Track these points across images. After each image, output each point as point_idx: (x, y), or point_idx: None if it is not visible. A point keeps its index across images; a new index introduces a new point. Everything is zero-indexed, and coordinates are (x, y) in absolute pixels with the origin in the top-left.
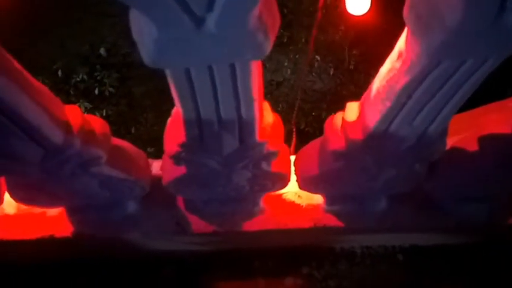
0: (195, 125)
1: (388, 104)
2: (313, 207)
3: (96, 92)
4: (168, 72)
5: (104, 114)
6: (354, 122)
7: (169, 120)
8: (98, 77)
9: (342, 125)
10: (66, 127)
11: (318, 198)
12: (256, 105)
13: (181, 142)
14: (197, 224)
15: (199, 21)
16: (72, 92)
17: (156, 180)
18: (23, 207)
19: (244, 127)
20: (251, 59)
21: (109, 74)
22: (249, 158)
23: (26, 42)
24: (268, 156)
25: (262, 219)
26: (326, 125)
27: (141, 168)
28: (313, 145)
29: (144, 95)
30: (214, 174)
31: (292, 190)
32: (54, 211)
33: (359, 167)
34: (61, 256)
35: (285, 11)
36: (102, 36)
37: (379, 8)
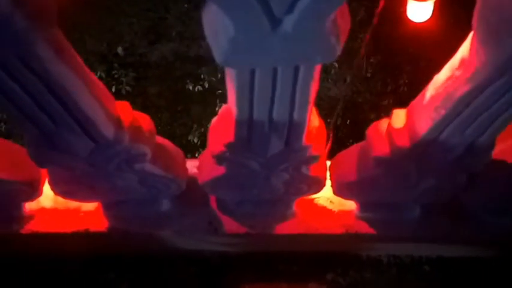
0: (246, 125)
1: (442, 112)
2: (345, 214)
3: (113, 90)
4: (231, 72)
5: None
6: (401, 129)
7: (215, 119)
8: (116, 76)
9: (387, 131)
10: (118, 122)
11: (350, 205)
12: (309, 108)
13: (228, 142)
14: (229, 224)
15: (276, 23)
16: None
17: (190, 179)
18: (59, 200)
19: (293, 130)
20: (320, 61)
21: (126, 73)
22: (292, 160)
23: None
24: (310, 160)
25: (294, 223)
26: (369, 131)
27: (179, 167)
28: (352, 151)
29: (159, 95)
30: (253, 176)
31: (324, 195)
32: (89, 206)
33: (401, 175)
34: (94, 250)
35: None
36: (120, 36)
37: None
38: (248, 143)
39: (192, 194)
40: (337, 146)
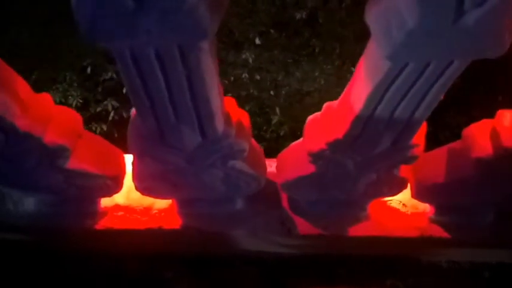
0: (362, 122)
1: None
2: (419, 217)
3: (124, 91)
4: (380, 66)
5: (131, 114)
6: (508, 129)
7: (313, 117)
8: None
9: (492, 132)
10: (227, 118)
11: (424, 208)
12: (432, 106)
13: (333, 140)
14: (302, 225)
15: (459, 15)
16: (100, 90)
17: None
18: (133, 197)
19: (408, 128)
20: (491, 56)
21: None
22: (393, 160)
23: (53, 35)
24: (408, 160)
25: (368, 225)
26: (466, 133)
27: (262, 165)
28: (438, 153)
29: None
30: (344, 176)
31: (396, 198)
32: (162, 203)
33: (503, 176)
34: (165, 248)
35: (320, 21)
36: None
37: None
38: (355, 142)
39: (263, 193)
40: None
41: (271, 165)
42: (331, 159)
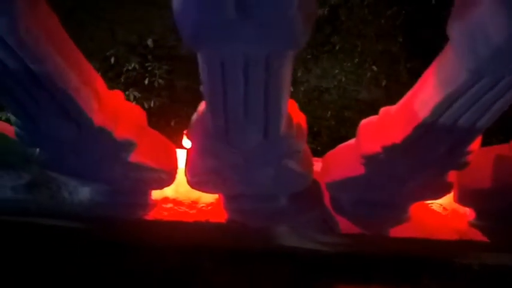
0: (424, 128)
1: None
2: (459, 220)
3: (146, 82)
4: (463, 77)
5: (152, 105)
6: None
7: (367, 120)
8: (149, 68)
9: None
10: (289, 119)
11: (464, 212)
12: (495, 116)
13: (391, 144)
14: (343, 224)
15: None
16: (122, 80)
17: None
18: (181, 190)
19: (465, 137)
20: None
21: (160, 66)
22: (443, 166)
23: (75, 26)
24: (461, 166)
25: (409, 227)
26: None
27: (310, 164)
28: (483, 157)
29: (186, 89)
30: (393, 179)
31: (437, 201)
32: (208, 197)
33: None
34: (210, 241)
35: (342, 18)
36: (151, 27)
37: None
38: (411, 147)
39: (306, 191)
40: None
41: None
42: (384, 163)
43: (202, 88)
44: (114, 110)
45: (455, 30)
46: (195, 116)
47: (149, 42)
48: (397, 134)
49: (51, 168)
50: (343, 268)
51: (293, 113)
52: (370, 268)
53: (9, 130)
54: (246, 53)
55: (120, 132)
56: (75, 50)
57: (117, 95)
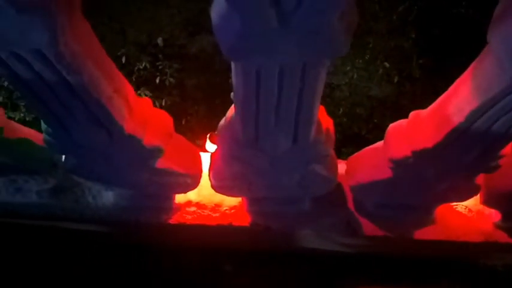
0: (458, 134)
1: None
2: (484, 222)
3: (157, 81)
4: (502, 84)
5: (163, 104)
6: None
7: (395, 124)
8: (160, 67)
9: None
10: (319, 125)
11: (489, 214)
12: None
13: (419, 149)
14: (367, 226)
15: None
16: (134, 80)
17: None
18: (204, 193)
19: (498, 142)
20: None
21: (170, 65)
22: (474, 169)
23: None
24: (491, 169)
25: (435, 229)
26: None
27: (335, 167)
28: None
29: (196, 87)
30: (420, 183)
31: (462, 203)
32: (231, 201)
33: None
34: (232, 244)
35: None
36: (160, 26)
37: None
38: (442, 151)
39: (330, 194)
40: None
41: None
42: (413, 167)
43: (233, 95)
44: (143, 118)
45: (495, 37)
46: (222, 122)
47: (159, 41)
48: (428, 138)
49: (79, 173)
50: (365, 270)
51: (322, 118)
52: (394, 270)
53: (33, 135)
54: (282, 62)
55: (149, 140)
56: (107, 59)
57: (146, 102)
